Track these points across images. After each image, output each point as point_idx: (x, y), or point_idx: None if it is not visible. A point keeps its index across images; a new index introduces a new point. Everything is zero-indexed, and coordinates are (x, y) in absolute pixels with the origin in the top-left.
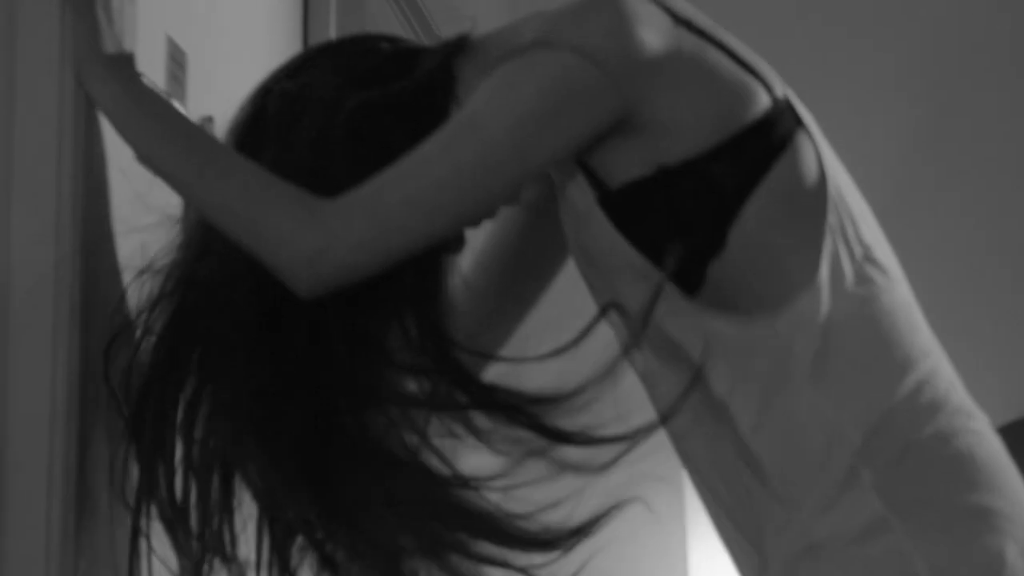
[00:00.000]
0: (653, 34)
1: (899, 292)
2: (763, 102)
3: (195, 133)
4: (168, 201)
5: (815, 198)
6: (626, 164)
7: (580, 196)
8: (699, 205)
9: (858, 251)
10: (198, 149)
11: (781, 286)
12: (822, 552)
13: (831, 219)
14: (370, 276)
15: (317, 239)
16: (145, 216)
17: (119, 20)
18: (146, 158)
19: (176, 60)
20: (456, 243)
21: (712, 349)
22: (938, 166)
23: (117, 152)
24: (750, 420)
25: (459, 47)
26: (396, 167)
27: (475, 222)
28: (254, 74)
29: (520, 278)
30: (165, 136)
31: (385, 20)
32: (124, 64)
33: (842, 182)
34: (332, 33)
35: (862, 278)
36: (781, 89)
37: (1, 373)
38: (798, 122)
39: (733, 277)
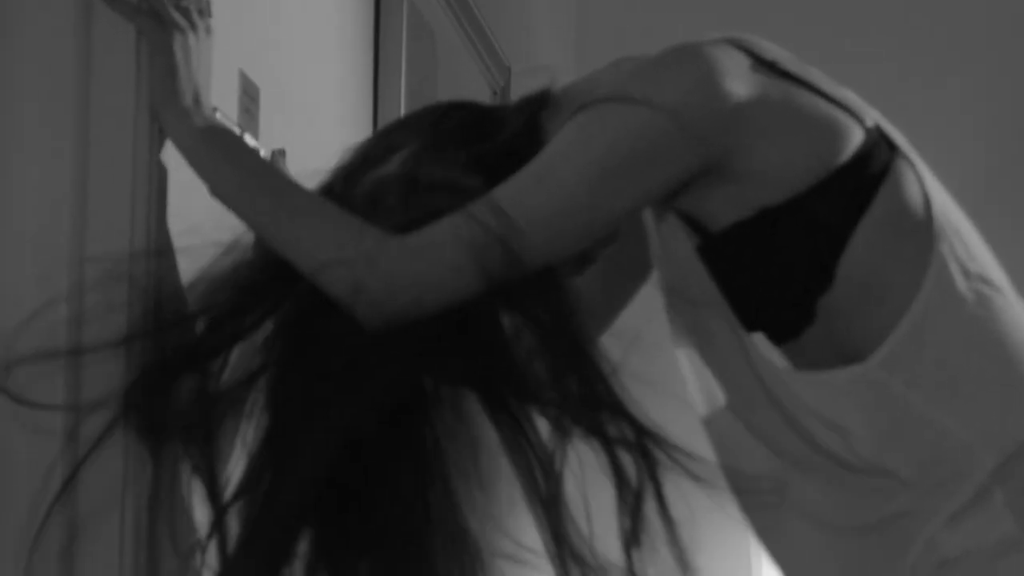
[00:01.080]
0: (738, 84)
1: (1017, 310)
2: (856, 136)
3: (266, 171)
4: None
5: (921, 223)
6: (726, 209)
7: (677, 242)
8: (804, 242)
9: (973, 270)
10: (269, 188)
11: (892, 313)
12: (956, 568)
13: (940, 242)
14: (444, 311)
15: (382, 279)
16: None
17: (195, 57)
18: (219, 195)
19: (249, 94)
20: (583, 261)
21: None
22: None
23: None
24: (875, 446)
25: (542, 102)
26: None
27: (544, 266)
28: (325, 106)
29: (600, 299)
30: (237, 175)
31: (456, 55)
32: (199, 101)
33: (946, 203)
34: (403, 65)
35: (980, 298)
36: (872, 119)
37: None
38: (893, 149)
39: (843, 310)
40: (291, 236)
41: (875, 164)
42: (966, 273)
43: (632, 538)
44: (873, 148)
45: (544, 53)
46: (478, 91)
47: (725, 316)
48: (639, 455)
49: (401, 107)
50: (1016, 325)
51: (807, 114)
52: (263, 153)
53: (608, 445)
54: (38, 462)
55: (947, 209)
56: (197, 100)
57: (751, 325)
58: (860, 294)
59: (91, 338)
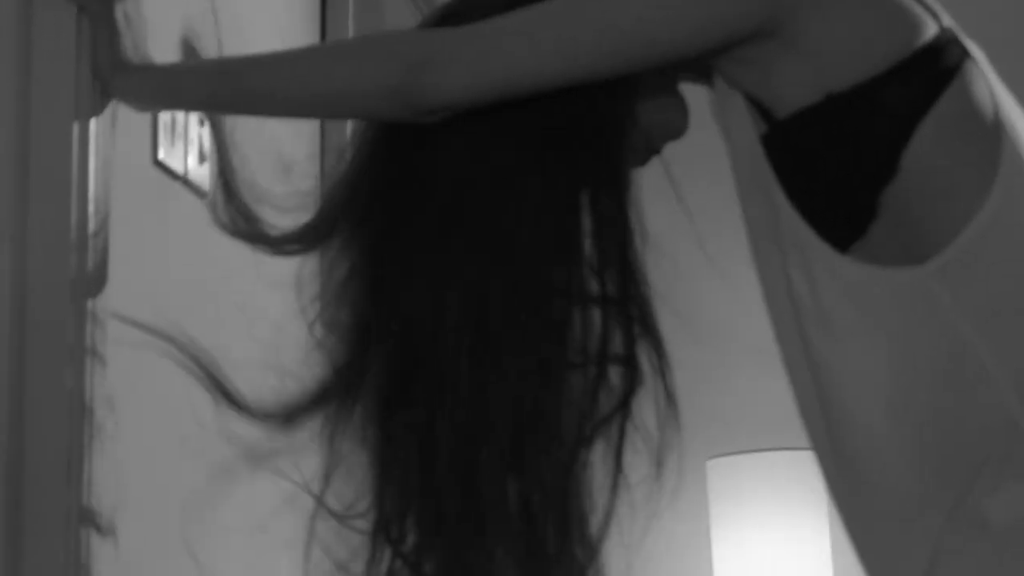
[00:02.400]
0: None
1: None
2: (930, 29)
3: (247, 62)
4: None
5: (989, 129)
6: (793, 91)
7: (742, 130)
8: (870, 131)
9: None
10: (266, 70)
11: (958, 218)
12: (995, 534)
13: (1006, 148)
14: (475, 102)
15: (421, 48)
16: None
17: (133, 22)
18: (219, 108)
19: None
20: (648, 151)
21: (878, 307)
22: None
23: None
24: (914, 378)
25: None
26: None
27: (577, 81)
28: None
29: None
30: (225, 84)
31: (404, 19)
32: (143, 60)
33: (1016, 115)
34: (350, 33)
35: None
36: (947, 19)
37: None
38: (966, 53)
39: (907, 205)
40: (315, 78)
41: (946, 60)
42: None
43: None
44: (946, 44)
45: None
46: None
47: (780, 207)
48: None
49: None
50: None
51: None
52: None
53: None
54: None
55: (1015, 120)
56: (142, 62)
57: (814, 220)
58: (925, 190)
59: None
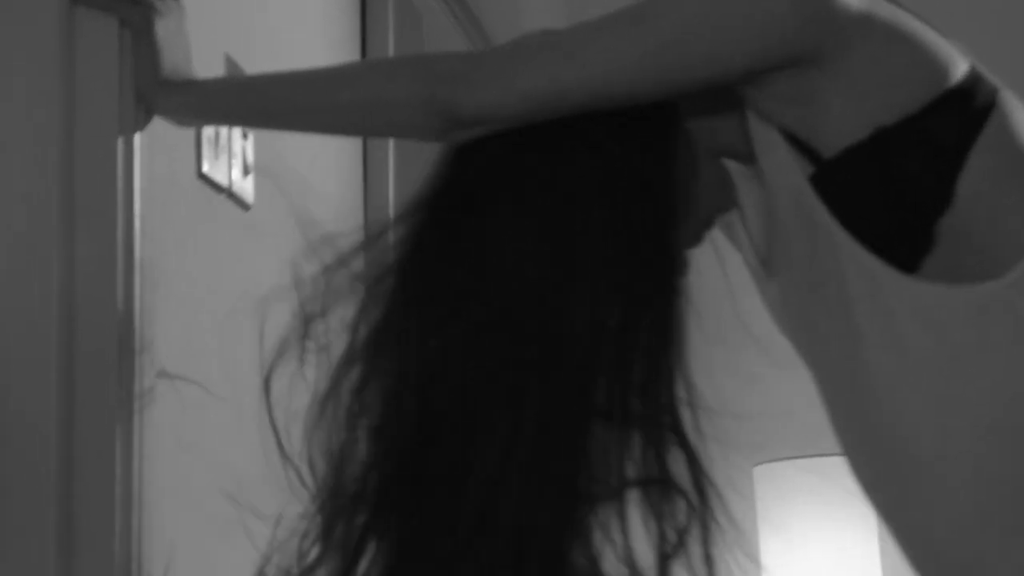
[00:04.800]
0: None
1: None
2: (962, 65)
3: (281, 79)
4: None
5: None
6: (840, 129)
7: (784, 174)
8: (922, 161)
9: None
10: (298, 86)
11: (1009, 244)
12: None
13: None
14: (508, 117)
15: (454, 62)
16: None
17: (176, 39)
18: (255, 123)
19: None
20: (693, 238)
21: (938, 325)
22: None
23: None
24: (993, 398)
25: None
26: (563, 29)
27: (614, 101)
28: None
29: None
30: (260, 99)
31: (445, 36)
32: (184, 77)
33: None
34: (391, 49)
35: None
36: (968, 59)
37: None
38: (995, 87)
39: (963, 234)
40: (348, 96)
41: (982, 92)
42: None
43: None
44: (977, 83)
45: (532, 26)
46: None
47: (840, 241)
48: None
49: None
50: None
51: (918, 37)
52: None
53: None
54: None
55: None
56: (183, 78)
57: (873, 251)
58: (983, 219)
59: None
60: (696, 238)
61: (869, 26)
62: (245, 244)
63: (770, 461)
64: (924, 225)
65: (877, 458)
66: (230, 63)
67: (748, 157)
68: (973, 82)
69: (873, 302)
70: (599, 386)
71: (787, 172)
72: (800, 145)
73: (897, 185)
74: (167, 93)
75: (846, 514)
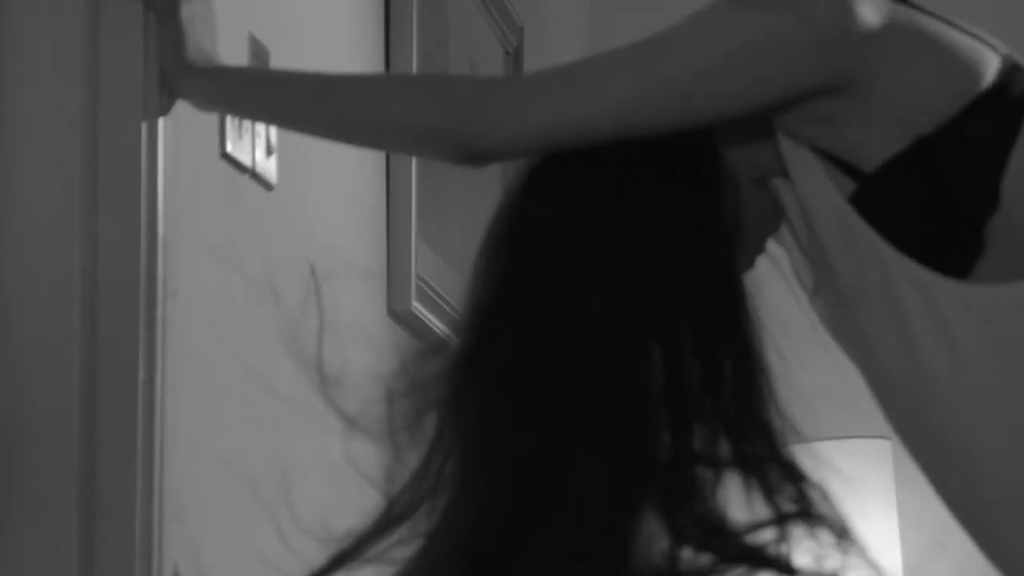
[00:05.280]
0: (869, 9)
1: None
2: (994, 61)
3: (305, 79)
4: None
5: None
6: (878, 143)
7: (822, 194)
8: (964, 166)
9: None
10: (319, 90)
11: None
12: None
13: None
14: (523, 151)
15: (468, 93)
16: None
17: (201, 22)
18: (274, 122)
19: (259, 57)
20: (747, 262)
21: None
22: None
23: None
24: None
25: None
26: (577, 61)
27: (630, 135)
28: (336, 67)
29: None
30: (279, 98)
31: (468, 16)
32: (209, 61)
33: None
34: (415, 30)
35: None
36: (1003, 48)
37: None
38: None
39: (1013, 232)
40: (367, 111)
41: (1017, 87)
42: None
43: None
44: (1013, 72)
45: (558, 10)
46: (491, 52)
47: (888, 257)
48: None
49: (413, 68)
50: None
51: (944, 40)
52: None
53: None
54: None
55: None
56: (207, 62)
57: (923, 262)
58: None
59: None
60: (750, 263)
61: (891, 40)
62: (269, 224)
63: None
64: (973, 229)
65: (941, 463)
66: (254, 42)
67: (785, 176)
68: (1007, 77)
69: (927, 312)
70: (696, 432)
71: (825, 193)
72: (837, 162)
73: (943, 192)
74: (190, 77)
75: (863, 496)
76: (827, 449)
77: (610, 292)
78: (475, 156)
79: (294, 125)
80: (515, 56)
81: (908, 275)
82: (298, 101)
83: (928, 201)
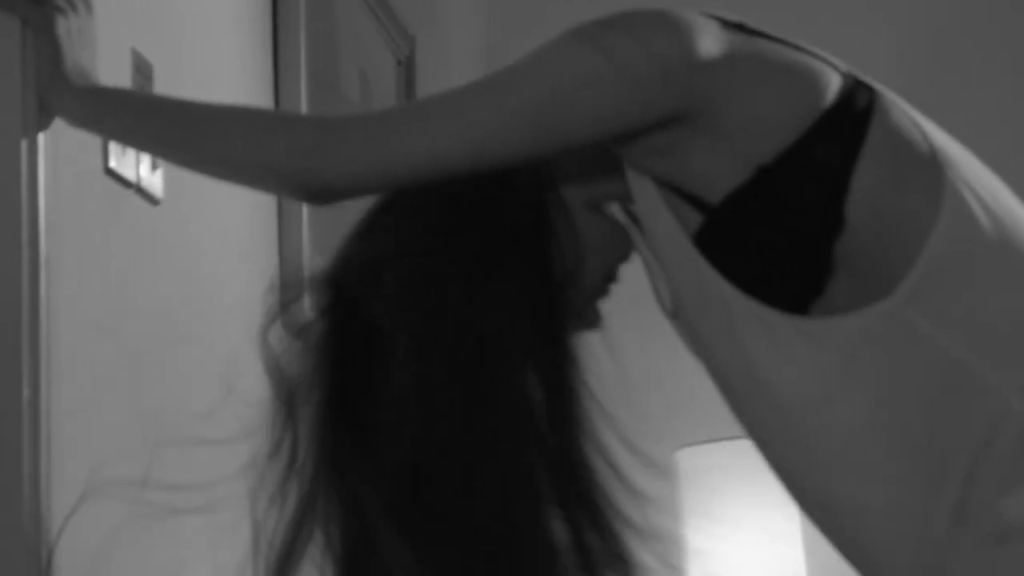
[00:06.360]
0: (710, 40)
1: None
2: (834, 79)
3: (165, 107)
4: None
5: (922, 153)
6: (721, 172)
7: (668, 231)
8: (808, 190)
9: (987, 199)
10: (174, 120)
11: (910, 244)
12: (1017, 542)
13: (947, 168)
14: (369, 190)
15: (313, 134)
16: None
17: (79, 37)
18: (133, 146)
19: (142, 72)
20: (592, 319)
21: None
22: None
23: None
24: (905, 399)
25: None
26: (427, 96)
27: (472, 170)
28: (222, 81)
29: None
30: (137, 124)
31: (358, 24)
32: (86, 77)
33: (944, 137)
34: (302, 41)
35: (999, 229)
36: (844, 65)
37: None
38: (871, 89)
39: (861, 251)
40: (220, 148)
41: (859, 102)
42: (981, 203)
43: None
44: (854, 88)
45: (452, 19)
46: (382, 61)
47: (728, 296)
48: None
49: (302, 80)
50: None
51: (783, 63)
52: None
53: None
54: None
55: (946, 142)
56: (84, 78)
57: (766, 296)
58: (875, 233)
59: None
60: (602, 291)
61: (732, 70)
62: (154, 239)
63: (692, 444)
64: (821, 253)
65: (794, 469)
66: (137, 57)
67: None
68: (849, 95)
69: (767, 347)
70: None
71: (669, 228)
72: (684, 195)
73: (787, 218)
74: (61, 95)
75: (771, 497)
76: (731, 449)
77: (437, 347)
78: (320, 195)
79: (155, 153)
80: (407, 66)
81: (747, 312)
82: (158, 130)
83: (772, 230)
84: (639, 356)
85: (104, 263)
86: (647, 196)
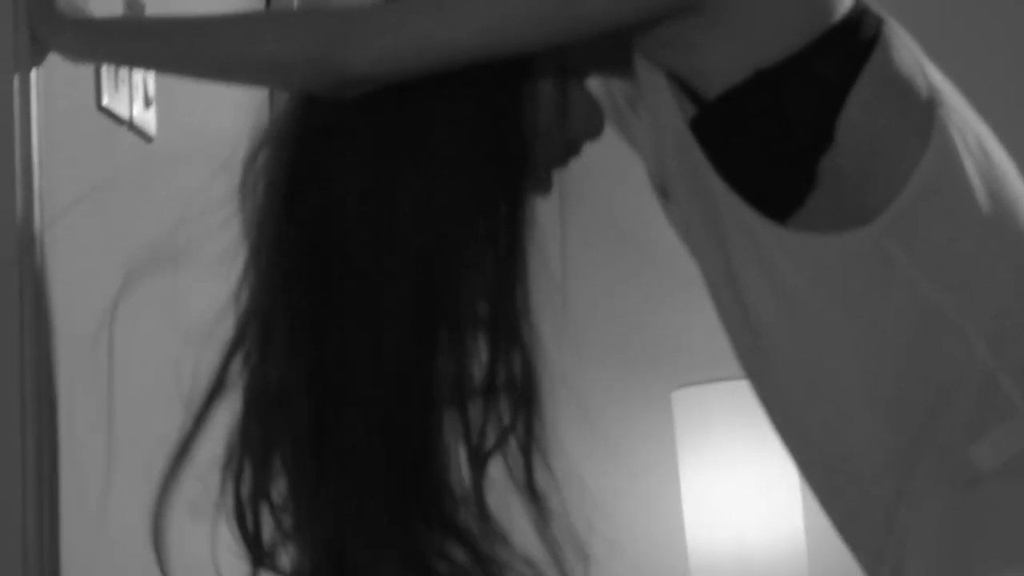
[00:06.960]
0: None
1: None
2: (846, 1)
3: (165, 23)
4: None
5: (918, 88)
6: (721, 68)
7: (669, 119)
8: (802, 103)
9: (974, 146)
10: (178, 31)
11: (898, 178)
12: (987, 485)
13: (940, 107)
14: (396, 75)
15: (339, 21)
16: None
17: None
18: (140, 65)
19: (134, 10)
20: (543, 184)
21: (823, 273)
22: None
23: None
24: (877, 337)
25: None
26: None
27: (499, 54)
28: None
29: None
30: (144, 42)
31: None
32: (78, 13)
33: (943, 79)
34: None
35: (984, 175)
36: None
37: None
38: (881, 20)
39: (846, 171)
40: (234, 50)
41: (866, 29)
42: (968, 147)
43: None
44: (863, 15)
45: None
46: None
47: (717, 189)
48: None
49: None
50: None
51: None
52: None
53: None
54: None
55: (945, 86)
56: (77, 14)
57: (751, 198)
58: (862, 155)
59: None
60: (561, 161)
61: None
62: (148, 175)
63: (689, 385)
64: (806, 164)
65: (770, 389)
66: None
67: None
68: (858, 18)
69: (748, 248)
70: (451, 293)
71: (670, 115)
72: (685, 87)
73: (779, 125)
74: (58, 29)
75: (769, 439)
76: (728, 389)
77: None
78: (348, 82)
79: (170, 68)
80: None
81: (732, 209)
82: (171, 45)
83: (761, 133)
84: (638, 299)
85: (99, 198)
86: (653, 82)
